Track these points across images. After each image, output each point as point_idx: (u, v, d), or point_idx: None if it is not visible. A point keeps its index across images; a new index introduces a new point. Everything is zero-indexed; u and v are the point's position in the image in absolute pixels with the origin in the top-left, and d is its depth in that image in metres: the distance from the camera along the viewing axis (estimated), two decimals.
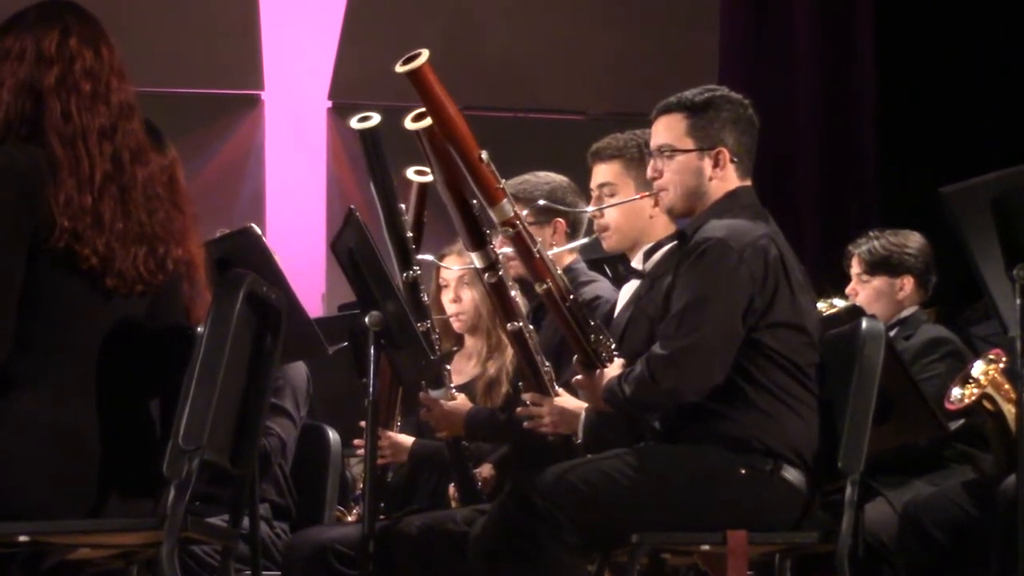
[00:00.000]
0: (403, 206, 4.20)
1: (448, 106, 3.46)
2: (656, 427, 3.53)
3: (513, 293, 3.73)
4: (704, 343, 3.39)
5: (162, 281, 2.85)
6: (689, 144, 3.61)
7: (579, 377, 3.65)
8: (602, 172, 4.08)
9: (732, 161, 3.60)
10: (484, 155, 3.49)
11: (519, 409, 3.83)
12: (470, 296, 4.55)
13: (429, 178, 4.26)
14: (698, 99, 3.61)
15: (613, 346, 3.63)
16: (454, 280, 4.57)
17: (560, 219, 4.39)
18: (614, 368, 3.57)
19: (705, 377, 3.40)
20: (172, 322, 2.89)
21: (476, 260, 3.66)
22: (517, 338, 3.72)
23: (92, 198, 2.77)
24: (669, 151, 3.62)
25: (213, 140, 8.22)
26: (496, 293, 3.69)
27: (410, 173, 4.33)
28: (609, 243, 4.08)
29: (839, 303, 4.77)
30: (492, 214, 3.55)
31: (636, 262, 3.99)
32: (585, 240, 4.31)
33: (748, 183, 3.64)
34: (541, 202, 4.20)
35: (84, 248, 2.76)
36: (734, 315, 3.41)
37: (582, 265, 4.44)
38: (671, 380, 3.40)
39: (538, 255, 3.58)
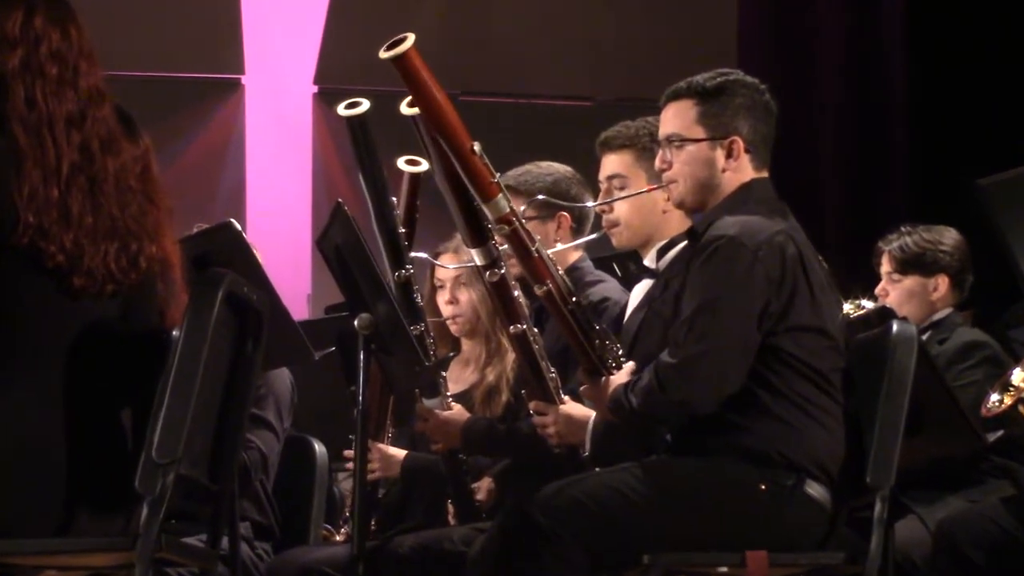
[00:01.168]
0: (394, 199, 4.21)
1: (436, 94, 3.46)
2: (668, 439, 3.54)
3: (516, 293, 3.73)
4: (717, 350, 3.39)
5: (135, 280, 2.85)
6: (700, 133, 3.61)
7: (585, 386, 3.65)
8: (611, 163, 4.07)
9: (746, 151, 3.60)
10: (476, 147, 3.49)
11: (532, 418, 3.83)
12: (467, 297, 4.56)
13: (422, 168, 4.26)
14: (709, 84, 3.61)
15: (621, 352, 3.64)
16: (450, 280, 4.58)
17: (564, 213, 4.39)
18: (622, 375, 3.58)
19: (718, 387, 3.40)
20: (145, 325, 2.89)
21: (477, 257, 3.66)
22: (520, 342, 3.73)
23: (59, 191, 2.78)
24: (678, 140, 3.62)
25: (189, 128, 8.22)
26: (498, 293, 3.69)
27: (401, 163, 4.33)
28: (619, 240, 4.08)
29: (867, 304, 4.77)
30: (486, 211, 3.54)
31: (648, 260, 3.99)
32: (592, 237, 4.31)
33: (764, 175, 3.64)
34: (542, 196, 4.20)
35: (50, 245, 2.76)
36: (749, 319, 3.41)
37: (588, 264, 4.44)
38: (681, 391, 3.40)
39: (537, 255, 3.58)
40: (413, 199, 4.33)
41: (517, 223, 3.56)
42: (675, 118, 3.63)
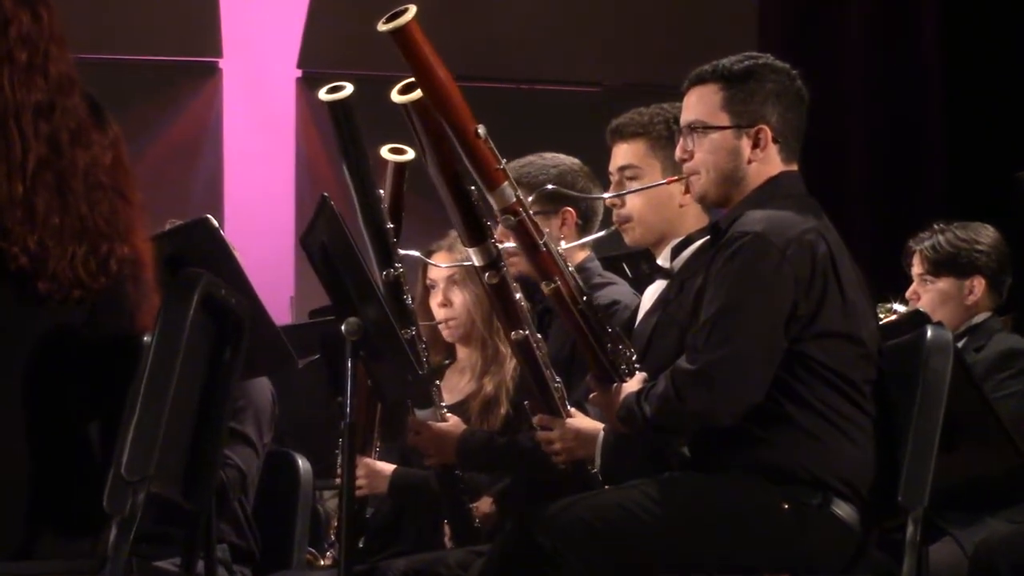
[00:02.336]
0: (381, 192, 4.21)
1: (439, 71, 3.46)
2: (684, 453, 3.54)
3: (517, 296, 3.72)
4: (739, 356, 3.39)
5: (104, 285, 2.85)
6: (724, 120, 3.61)
7: (594, 394, 3.66)
8: (623, 153, 4.07)
9: (774, 141, 3.61)
10: (481, 130, 3.50)
11: (536, 432, 3.83)
12: (461, 299, 4.56)
13: (408, 157, 4.26)
14: (737, 68, 3.62)
15: (634, 357, 3.64)
16: (443, 280, 4.58)
17: (569, 209, 4.39)
18: (634, 383, 3.58)
19: (740, 396, 3.40)
20: (114, 331, 2.89)
21: (475, 257, 3.66)
22: (522, 349, 3.73)
23: (24, 187, 2.77)
24: (701, 128, 3.62)
25: (162, 116, 8.23)
26: (498, 296, 3.69)
27: (385, 152, 4.33)
28: (631, 237, 4.07)
29: (898, 308, 4.78)
30: (490, 199, 3.55)
31: (662, 259, 3.99)
32: (601, 234, 4.31)
33: (794, 167, 3.65)
34: (549, 187, 4.19)
35: (12, 246, 2.75)
36: (774, 323, 3.41)
37: (596, 264, 4.45)
38: (700, 400, 3.40)
39: (544, 248, 3.59)
40: (399, 191, 4.33)
41: (524, 213, 3.56)
42: (698, 104, 3.64)
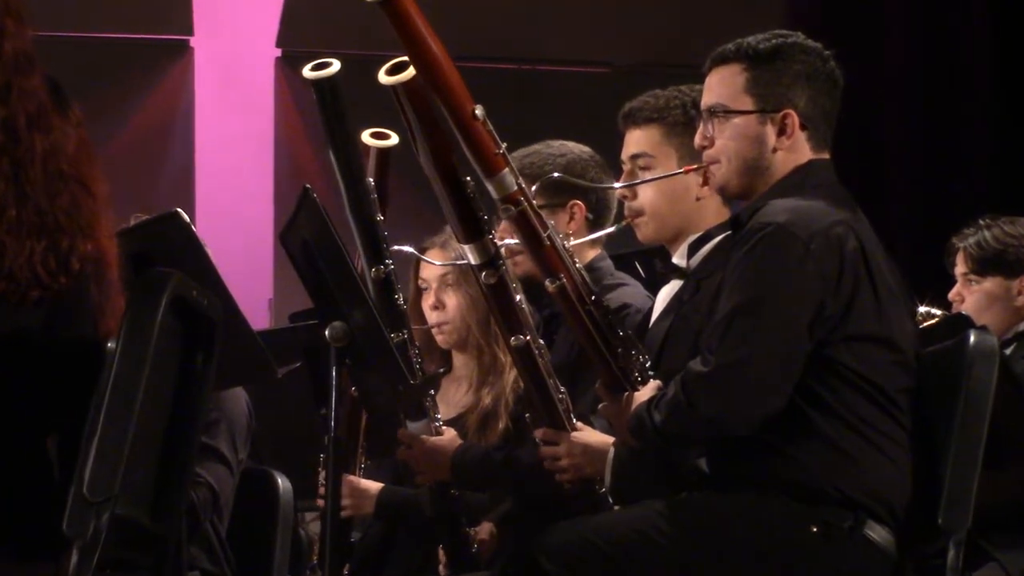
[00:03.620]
0: (371, 181, 4.22)
1: (432, 46, 3.46)
2: (701, 467, 3.55)
3: (518, 298, 3.72)
4: (757, 358, 3.39)
5: (64, 285, 2.85)
6: (748, 103, 3.63)
7: (604, 404, 3.66)
8: (636, 140, 4.07)
9: (802, 127, 3.62)
10: (479, 111, 3.50)
11: (539, 448, 3.84)
12: (455, 302, 4.57)
13: (391, 142, 4.27)
14: (763, 47, 3.63)
15: (648, 363, 3.64)
16: (435, 281, 4.59)
17: (578, 202, 4.40)
18: (646, 391, 3.59)
19: (757, 402, 3.40)
20: (75, 336, 2.90)
21: (471, 255, 3.66)
22: (523, 356, 3.73)
23: None
24: (722, 112, 3.64)
25: (129, 100, 8.24)
26: (496, 297, 3.69)
27: (366, 137, 4.34)
28: (644, 232, 4.07)
29: (938, 312, 4.79)
30: (489, 188, 3.55)
31: (678, 257, 4.00)
32: (611, 229, 4.30)
33: (824, 156, 3.66)
34: (557, 175, 4.18)
35: None
36: (798, 322, 3.42)
37: (608, 263, 4.45)
38: (713, 405, 3.41)
39: (549, 242, 3.59)
40: (383, 180, 4.34)
41: (526, 203, 3.56)
42: (720, 86, 3.65)
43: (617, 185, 4.09)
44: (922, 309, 4.82)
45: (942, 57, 7.53)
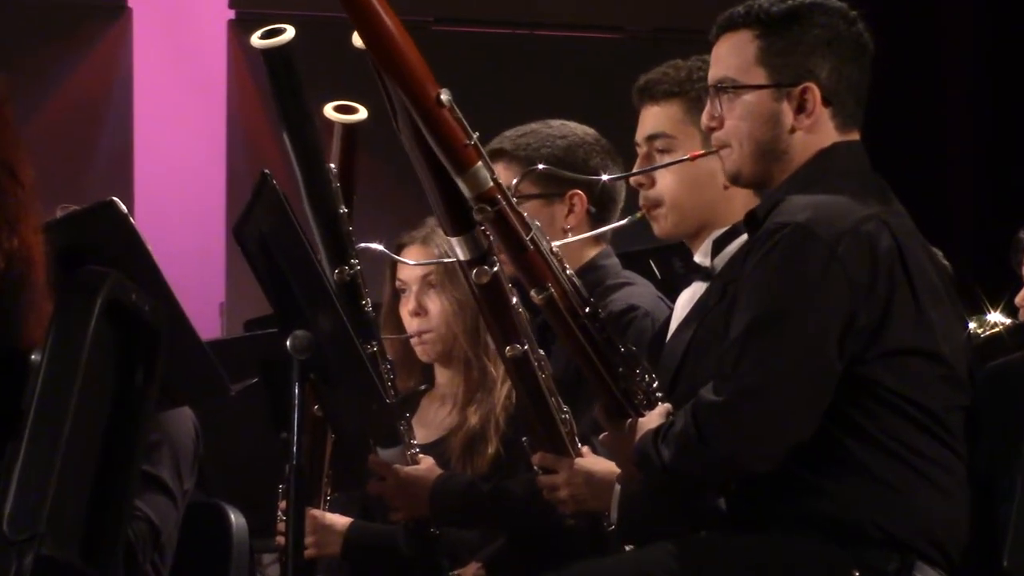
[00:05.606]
0: (332, 166, 4.23)
1: (384, 17, 3.45)
2: (721, 505, 3.56)
3: (514, 300, 3.72)
4: (777, 384, 3.38)
5: None
6: (760, 76, 3.62)
7: (604, 433, 3.67)
8: (653, 118, 4.07)
9: (825, 103, 3.61)
10: (445, 96, 3.48)
11: (537, 476, 3.85)
12: (439, 307, 4.58)
13: (359, 117, 4.27)
14: (776, 9, 3.62)
15: (655, 384, 3.64)
16: (416, 283, 4.60)
17: (578, 191, 4.39)
18: (653, 417, 3.57)
19: (779, 436, 3.39)
20: None
21: (459, 249, 3.64)
22: (520, 369, 3.72)
23: None
24: (732, 87, 3.63)
25: (57, 69, 8.24)
26: (489, 300, 3.67)
27: (329, 111, 4.34)
28: (662, 226, 4.05)
29: (1002, 320, 4.80)
30: (461, 186, 3.51)
31: (701, 256, 4.00)
32: (622, 223, 4.29)
33: (853, 136, 3.65)
34: (540, 167, 4.18)
35: None
36: (825, 340, 3.40)
37: (613, 262, 4.45)
38: (728, 442, 3.39)
39: (532, 247, 3.57)
40: (350, 163, 4.33)
41: (504, 203, 3.54)
42: (728, 56, 3.65)
43: (632, 172, 4.06)
44: (992, 317, 4.83)
45: (1007, 18, 7.56)
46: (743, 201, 3.93)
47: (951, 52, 7.53)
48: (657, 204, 4.04)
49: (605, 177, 4.13)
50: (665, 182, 4.02)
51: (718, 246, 3.95)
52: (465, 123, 3.49)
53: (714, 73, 3.67)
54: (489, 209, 3.52)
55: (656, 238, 4.17)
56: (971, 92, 7.55)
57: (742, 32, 3.63)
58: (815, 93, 3.60)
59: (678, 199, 4.02)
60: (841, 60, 3.62)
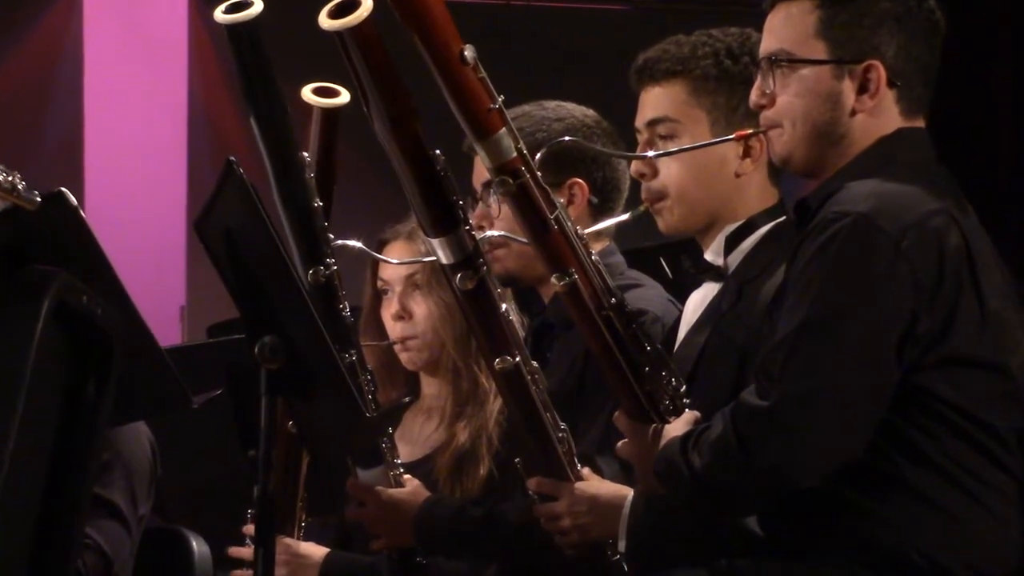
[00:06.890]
0: (305, 155, 4.23)
1: None
2: (748, 527, 3.54)
3: (503, 307, 3.73)
4: (832, 390, 3.37)
5: None
6: (820, 51, 3.60)
7: (623, 441, 3.66)
8: (655, 100, 4.04)
9: (891, 85, 3.60)
10: (469, 52, 3.48)
11: (536, 504, 3.85)
12: (424, 310, 4.59)
13: (340, 100, 4.27)
14: None
15: (683, 388, 3.64)
16: (399, 283, 4.60)
17: (579, 180, 4.40)
18: (679, 424, 3.57)
19: (833, 446, 3.38)
20: None
21: (440, 252, 3.66)
22: (511, 383, 3.73)
23: None
24: (786, 61, 3.61)
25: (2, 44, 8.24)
26: (476, 308, 3.69)
27: (307, 93, 4.34)
28: (668, 220, 4.05)
29: None
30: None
31: (712, 253, 4.00)
32: (624, 217, 4.30)
33: (919, 123, 3.64)
34: (567, 138, 4.18)
35: None
36: (885, 344, 3.40)
37: (618, 259, 4.46)
38: (774, 452, 3.38)
39: (556, 227, 3.58)
40: (329, 151, 4.34)
41: (527, 176, 3.54)
42: (784, 27, 3.63)
43: (635, 154, 4.04)
44: None
45: None
46: (756, 192, 3.97)
47: (1012, 32, 7.57)
48: (661, 196, 4.02)
49: (630, 155, 4.08)
50: (669, 171, 4.00)
51: (731, 242, 3.95)
52: (490, 84, 3.49)
53: (767, 45, 3.65)
54: (511, 182, 3.54)
55: (662, 234, 4.13)
56: None
57: (801, 1, 3.62)
58: (880, 72, 3.59)
59: (684, 190, 4.00)
60: (910, 38, 3.61)
